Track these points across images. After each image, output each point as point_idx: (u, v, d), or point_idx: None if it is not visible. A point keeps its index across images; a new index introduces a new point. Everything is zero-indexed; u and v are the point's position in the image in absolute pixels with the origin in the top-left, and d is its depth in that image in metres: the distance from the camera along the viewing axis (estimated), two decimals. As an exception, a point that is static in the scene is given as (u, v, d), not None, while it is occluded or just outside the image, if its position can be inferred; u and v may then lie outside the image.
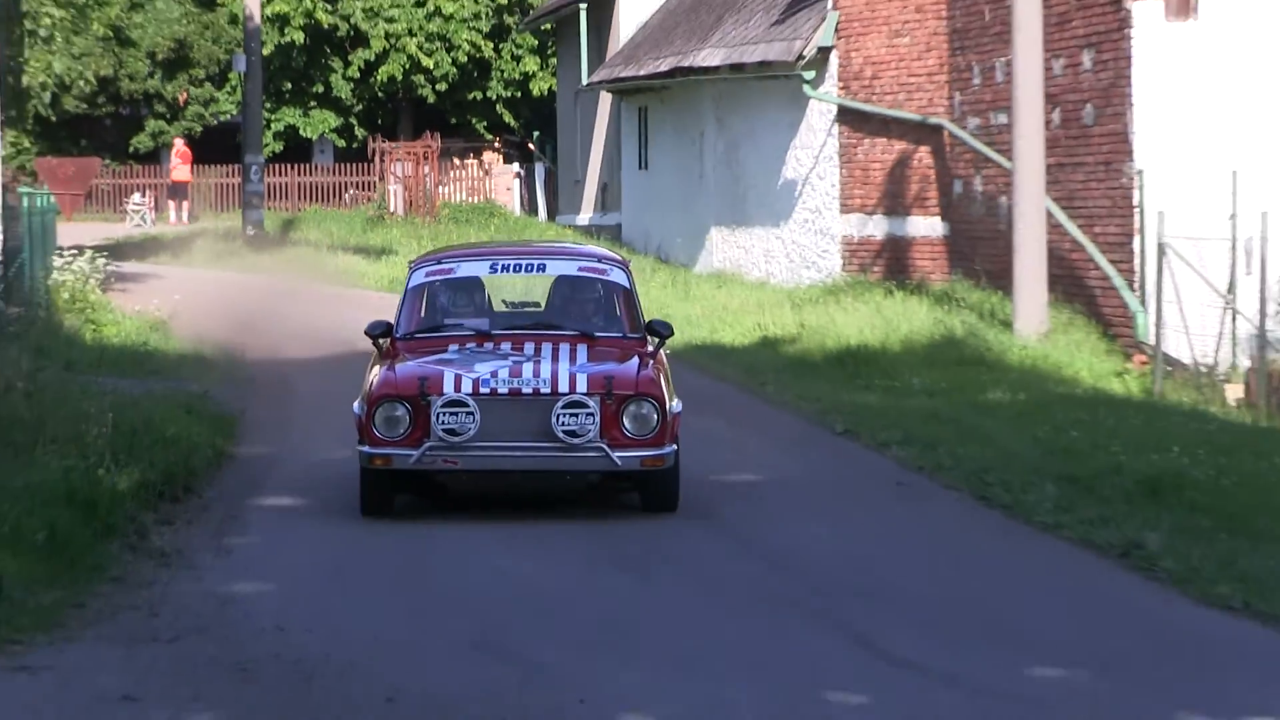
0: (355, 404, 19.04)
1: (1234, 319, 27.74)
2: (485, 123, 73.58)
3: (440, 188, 61.33)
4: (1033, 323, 30.19)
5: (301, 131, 73.90)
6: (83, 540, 16.42)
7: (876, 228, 38.46)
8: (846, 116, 39.50)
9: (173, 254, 50.10)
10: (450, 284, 20.43)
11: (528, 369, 18.76)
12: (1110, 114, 30.30)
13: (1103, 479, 20.01)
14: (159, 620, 14.65)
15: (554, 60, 65.19)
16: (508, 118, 73.18)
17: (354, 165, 70.44)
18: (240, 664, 13.47)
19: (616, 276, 20.23)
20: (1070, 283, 31.11)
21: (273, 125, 70.31)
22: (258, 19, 56.71)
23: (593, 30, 53.44)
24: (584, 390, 18.51)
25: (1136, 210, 29.59)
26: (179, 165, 68.60)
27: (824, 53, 39.71)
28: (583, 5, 53.80)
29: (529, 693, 12.75)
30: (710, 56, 43.76)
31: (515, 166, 69.20)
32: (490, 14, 71.84)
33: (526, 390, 18.54)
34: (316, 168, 73.12)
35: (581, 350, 19.28)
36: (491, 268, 20.70)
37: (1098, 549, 17.43)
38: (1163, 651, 14.14)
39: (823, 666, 13.53)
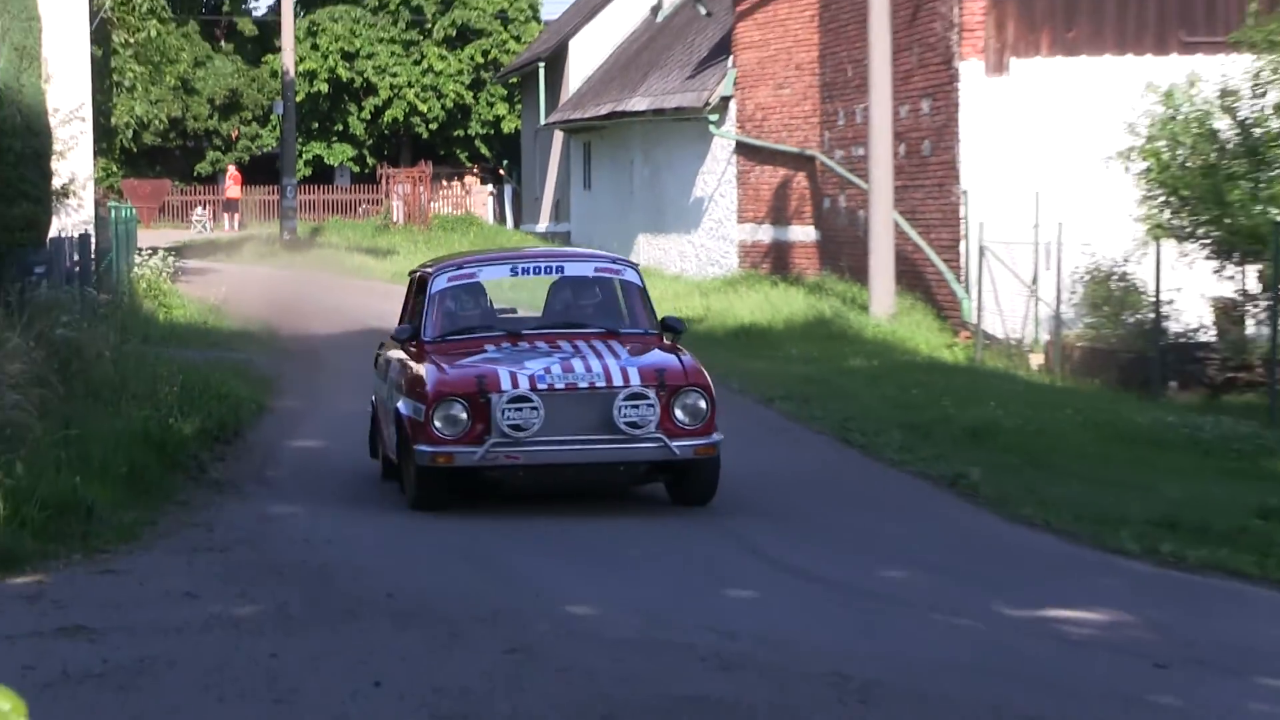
0: (400, 404, 15.85)
1: (1036, 304, 27.78)
2: (466, 154, 73.45)
3: (432, 203, 61.21)
4: (884, 307, 30.22)
5: (325, 160, 73.75)
6: (155, 473, 16.40)
7: (765, 234, 38.44)
8: (742, 149, 39.48)
9: (226, 254, 49.96)
10: (473, 288, 17.10)
11: (578, 364, 15.64)
12: (943, 148, 30.32)
13: (936, 426, 20.06)
14: (214, 535, 14.62)
15: (519, 106, 65.01)
16: (484, 150, 73.06)
17: (366, 186, 70.23)
18: (276, 568, 13.44)
19: (630, 276, 17.14)
20: (912, 277, 31.13)
21: (303, 155, 70.01)
22: (292, 74, 56.59)
23: (549, 83, 53.34)
24: (638, 383, 15.39)
25: (963, 221, 29.61)
26: (232, 185, 68.60)
27: (725, 100, 39.71)
28: (541, 64, 53.76)
29: (499, 590, 12.73)
30: (639, 103, 43.77)
31: (489, 187, 69.15)
32: (470, 70, 71.86)
33: (583, 384, 15.42)
34: (337, 188, 72.93)
35: (616, 346, 16.16)
36: (511, 271, 17.41)
37: (933, 480, 17.46)
38: (981, 557, 14.19)
39: (720, 568, 13.52)
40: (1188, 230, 24.08)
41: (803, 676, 10.40)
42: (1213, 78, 24.57)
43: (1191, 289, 24.86)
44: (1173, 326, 24.87)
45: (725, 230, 40.05)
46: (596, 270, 17.28)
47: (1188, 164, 24.06)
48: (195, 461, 17.64)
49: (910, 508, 16.41)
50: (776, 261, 38.00)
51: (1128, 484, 15.76)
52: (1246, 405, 22.91)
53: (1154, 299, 24.93)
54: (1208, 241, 23.95)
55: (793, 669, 10.56)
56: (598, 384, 15.40)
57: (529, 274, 17.43)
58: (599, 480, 15.93)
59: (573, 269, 17.33)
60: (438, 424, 15.33)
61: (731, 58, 39.60)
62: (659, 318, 16.89)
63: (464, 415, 15.33)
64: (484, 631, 11.50)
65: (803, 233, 37.34)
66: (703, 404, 15.43)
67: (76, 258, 25.28)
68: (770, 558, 13.94)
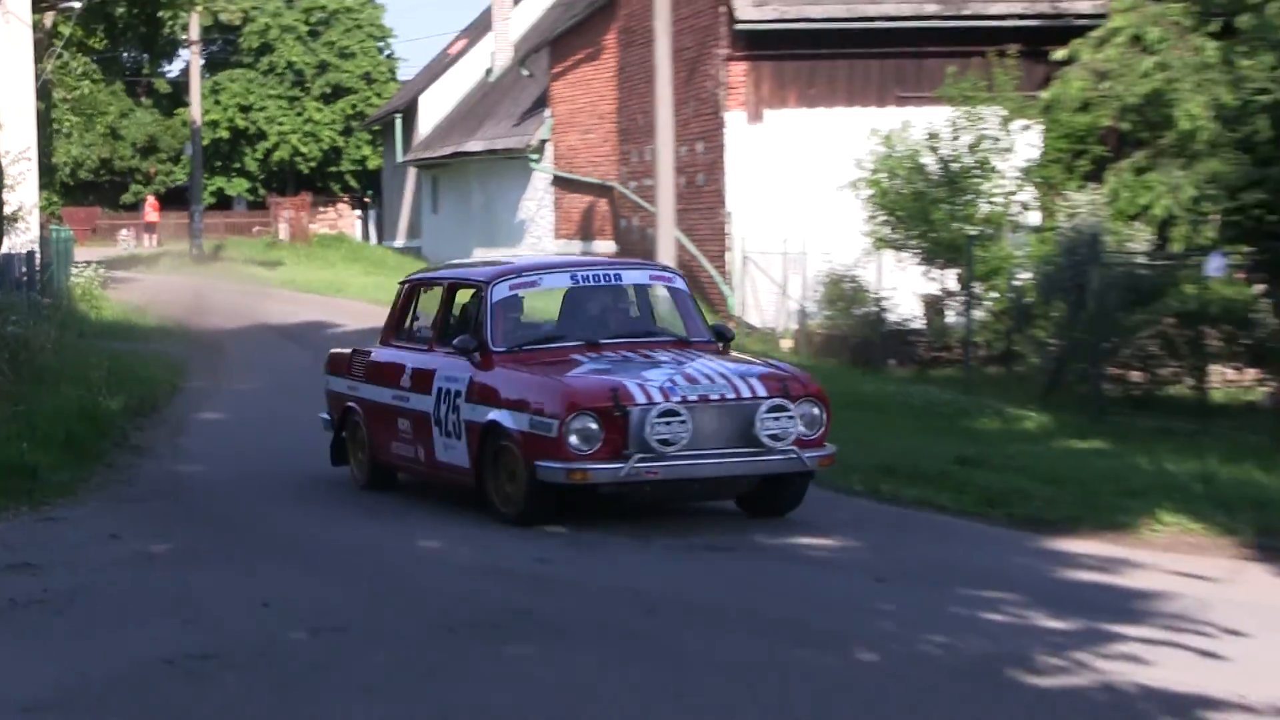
0: (498, 416, 12.24)
1: (786, 300, 27.98)
2: (339, 185, 72.75)
3: (311, 225, 60.71)
4: (668, 304, 30.30)
5: (226, 190, 72.79)
6: (88, 441, 16.15)
7: (575, 247, 38.44)
8: (557, 181, 39.48)
9: (146, 266, 49.15)
10: (537, 297, 13.63)
11: (696, 376, 12.19)
12: (713, 179, 30.46)
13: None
14: (136, 489, 14.44)
15: (381, 148, 64.51)
16: (353, 183, 72.42)
17: (259, 212, 69.37)
18: (187, 515, 13.30)
19: (680, 284, 13.61)
20: (691, 281, 31.23)
21: (208, 187, 69.01)
22: (199, 122, 55.91)
23: (405, 130, 52.92)
24: (764, 393, 12.13)
25: (729, 236, 29.78)
26: (151, 212, 67.62)
27: (544, 143, 39.71)
28: (398, 115, 53.35)
29: (372, 528, 12.64)
30: (475, 145, 43.66)
31: (358, 212, 68.58)
32: (342, 120, 71.36)
33: (715, 396, 12.03)
34: (235, 213, 72.00)
35: (700, 355, 12.80)
36: (572, 279, 13.32)
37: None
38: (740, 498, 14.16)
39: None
40: (902, 242, 24.33)
41: (603, 593, 10.44)
42: (921, 124, 24.86)
43: (906, 288, 25.15)
44: (891, 317, 25.14)
45: (544, 245, 40.00)
46: (651, 278, 13.77)
47: (901, 191, 24.31)
48: (121, 431, 17.38)
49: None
50: (585, 269, 37.98)
51: (857, 439, 15.86)
52: (947, 378, 23.20)
53: (877, 296, 25.27)
54: (918, 251, 24.22)
55: (595, 588, 10.59)
56: (728, 395, 12.10)
57: (588, 282, 13.35)
58: (715, 494, 12.71)
59: (630, 277, 13.67)
60: (574, 439, 11.83)
61: (549, 109, 39.57)
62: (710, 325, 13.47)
63: (597, 429, 11.85)
64: (354, 560, 11.46)
65: (605, 246, 37.38)
66: (821, 413, 12.38)
67: (24, 270, 24.86)
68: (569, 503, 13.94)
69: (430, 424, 13.03)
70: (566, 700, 8.06)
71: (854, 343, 25.34)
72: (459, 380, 12.78)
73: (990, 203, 23.94)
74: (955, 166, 24.12)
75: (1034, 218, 24.35)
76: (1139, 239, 21.62)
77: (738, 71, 29.61)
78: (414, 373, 13.38)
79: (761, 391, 12.12)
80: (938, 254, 23.82)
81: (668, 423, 11.78)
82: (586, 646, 9.05)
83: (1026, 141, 24.78)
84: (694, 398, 11.97)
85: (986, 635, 9.48)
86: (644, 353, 12.73)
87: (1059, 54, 25.49)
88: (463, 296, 13.62)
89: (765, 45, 29.33)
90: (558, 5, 45.08)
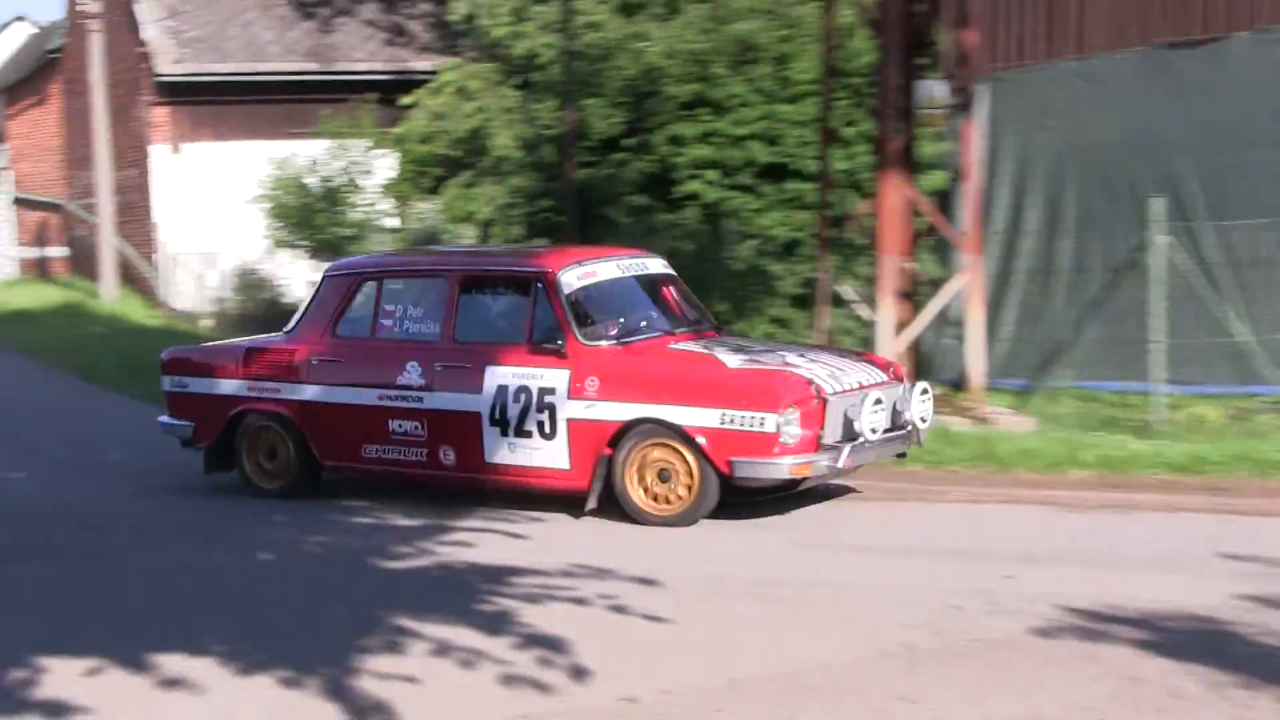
0: (655, 410, 9.04)
1: (204, 289, 27.05)
2: None
3: None
4: (111, 295, 28.82)
5: None
6: None
7: (35, 252, 35.98)
8: (17, 201, 36.82)
9: None
10: (598, 286, 9.92)
11: (817, 363, 9.48)
12: (144, 198, 29.09)
13: (152, 366, 19.03)
14: None
15: None
16: None
17: None
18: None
19: (671, 270, 10.61)
20: (129, 277, 29.77)
21: None
22: None
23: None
24: (889, 378, 9.71)
25: (156, 240, 28.54)
26: None
27: (4, 170, 36.96)
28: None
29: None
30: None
31: None
32: None
33: (857, 383, 9.45)
34: None
35: (736, 339, 10.58)
36: (618, 268, 10.10)
37: (140, 398, 16.59)
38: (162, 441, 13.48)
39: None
40: (294, 243, 24.03)
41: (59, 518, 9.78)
42: (306, 153, 24.62)
43: (298, 277, 24.93)
44: (286, 299, 24.79)
45: (7, 250, 37.22)
46: (665, 265, 10.52)
47: (292, 204, 24.01)
48: None
49: (128, 419, 15.59)
50: (42, 270, 35.64)
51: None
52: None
53: (275, 283, 25.00)
54: (306, 249, 24.00)
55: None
56: (879, 381, 9.59)
57: (629, 272, 10.16)
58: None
59: (653, 265, 10.38)
60: (790, 432, 8.90)
61: (6, 143, 36.81)
62: None
63: (803, 421, 9.00)
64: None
65: (59, 251, 35.14)
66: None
67: None
68: (27, 441, 13.01)
69: (479, 423, 9.55)
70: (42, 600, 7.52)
71: (259, 320, 24.74)
72: (540, 376, 9.41)
73: (359, 211, 24.04)
74: (332, 185, 24.14)
75: (392, 222, 24.57)
76: (466, 235, 22.20)
77: (160, 114, 28.42)
78: (431, 369, 9.74)
79: (880, 376, 9.62)
80: (321, 251, 23.71)
81: (876, 411, 9.18)
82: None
83: (385, 165, 24.94)
84: (853, 386, 9.33)
85: (354, 534, 9.40)
86: (731, 341, 10.06)
87: (406, 100, 25.88)
88: (486, 287, 9.82)
89: (182, 93, 28.35)
90: (10, 60, 41.94)
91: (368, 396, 9.94)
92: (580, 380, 9.29)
